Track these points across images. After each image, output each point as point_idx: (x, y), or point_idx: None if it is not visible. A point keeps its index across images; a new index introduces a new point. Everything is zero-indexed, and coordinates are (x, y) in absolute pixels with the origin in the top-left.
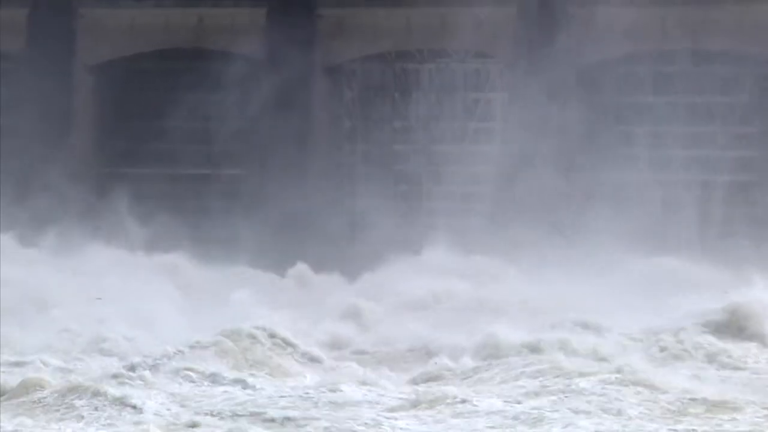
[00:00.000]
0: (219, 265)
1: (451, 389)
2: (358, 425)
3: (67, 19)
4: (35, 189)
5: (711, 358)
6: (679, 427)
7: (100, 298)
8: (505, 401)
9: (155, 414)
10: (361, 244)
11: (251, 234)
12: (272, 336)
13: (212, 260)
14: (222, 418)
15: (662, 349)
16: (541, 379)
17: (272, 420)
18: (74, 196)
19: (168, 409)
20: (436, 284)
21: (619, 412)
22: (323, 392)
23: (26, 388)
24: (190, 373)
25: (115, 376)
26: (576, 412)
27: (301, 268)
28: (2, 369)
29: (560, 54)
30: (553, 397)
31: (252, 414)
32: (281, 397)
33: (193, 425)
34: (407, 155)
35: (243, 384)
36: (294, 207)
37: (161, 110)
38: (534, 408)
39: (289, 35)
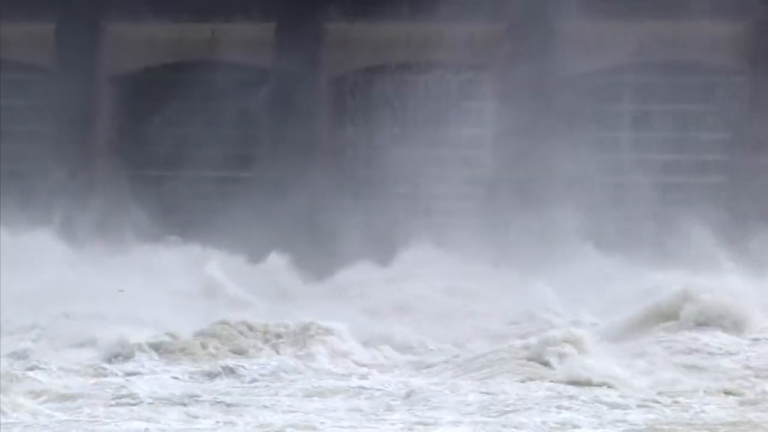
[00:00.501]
0: (213, 261)
1: (417, 381)
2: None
3: (92, 33)
4: (56, 188)
5: (667, 348)
6: (635, 416)
7: (122, 290)
8: (472, 395)
9: (142, 405)
10: (360, 243)
11: (254, 233)
12: (251, 328)
13: (210, 256)
14: (205, 406)
15: (626, 344)
16: (507, 375)
17: (260, 409)
18: (93, 197)
19: (154, 400)
20: (412, 284)
21: (583, 403)
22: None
23: (24, 386)
24: (176, 365)
25: (102, 370)
26: (540, 403)
27: (276, 257)
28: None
29: (546, 66)
30: (518, 391)
31: (237, 402)
32: (266, 385)
33: (182, 418)
34: (406, 159)
35: (225, 372)
36: (298, 208)
37: (176, 118)
38: (498, 401)
39: (296, 48)
